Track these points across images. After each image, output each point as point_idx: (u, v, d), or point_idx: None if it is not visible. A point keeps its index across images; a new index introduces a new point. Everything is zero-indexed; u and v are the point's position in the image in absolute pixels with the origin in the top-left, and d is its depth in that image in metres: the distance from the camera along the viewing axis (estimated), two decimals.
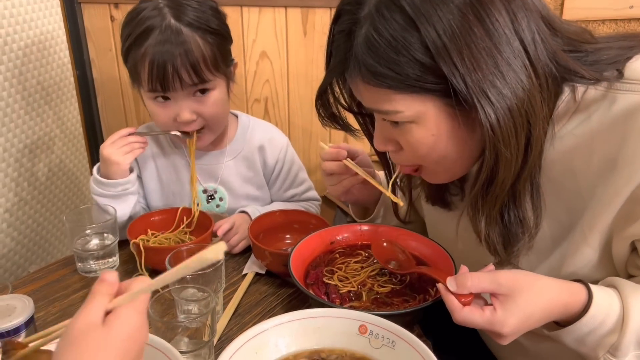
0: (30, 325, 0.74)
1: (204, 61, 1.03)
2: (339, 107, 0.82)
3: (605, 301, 0.66)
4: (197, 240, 1.00)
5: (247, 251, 1.09)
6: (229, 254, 1.08)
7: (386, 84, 0.66)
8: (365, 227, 0.99)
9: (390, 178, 0.91)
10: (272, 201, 1.28)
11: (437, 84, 0.64)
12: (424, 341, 0.70)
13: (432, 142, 0.70)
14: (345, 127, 0.85)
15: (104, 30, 1.70)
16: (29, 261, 1.46)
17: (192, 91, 1.06)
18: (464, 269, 0.70)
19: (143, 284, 0.51)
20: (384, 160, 0.92)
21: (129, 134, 1.10)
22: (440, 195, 0.88)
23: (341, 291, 0.86)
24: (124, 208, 1.09)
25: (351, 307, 0.82)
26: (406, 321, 0.79)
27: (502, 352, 0.92)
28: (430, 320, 0.88)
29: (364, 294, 0.86)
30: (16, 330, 0.72)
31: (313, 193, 1.30)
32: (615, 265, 0.71)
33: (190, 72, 1.02)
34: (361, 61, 0.66)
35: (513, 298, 0.65)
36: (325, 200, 1.70)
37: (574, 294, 0.67)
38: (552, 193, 0.73)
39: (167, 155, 1.22)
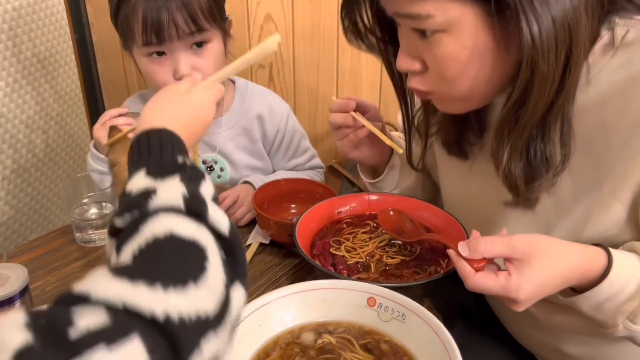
0: (24, 294, 0.72)
1: (200, 8, 0.98)
2: (364, 21, 0.76)
3: (625, 267, 0.62)
4: None
5: (253, 223, 1.05)
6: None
7: None
8: (373, 197, 0.95)
9: (407, 118, 0.85)
10: (274, 170, 1.24)
11: None
12: (434, 314, 0.67)
13: (464, 58, 0.63)
14: (370, 46, 0.78)
15: None
16: (29, 229, 1.44)
17: (189, 42, 1.01)
18: (475, 233, 0.66)
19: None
20: (402, 96, 0.84)
21: (120, 115, 1.02)
22: (458, 142, 0.81)
23: (349, 262, 0.83)
24: None
25: (359, 279, 0.79)
26: (416, 294, 0.76)
27: (514, 325, 0.89)
28: (441, 293, 0.86)
29: (372, 265, 0.83)
30: (10, 300, 0.69)
31: (317, 161, 1.26)
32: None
33: (186, 18, 0.97)
34: None
35: (528, 263, 0.60)
36: (332, 170, 1.66)
37: (593, 259, 0.62)
38: (577, 148, 0.67)
39: None
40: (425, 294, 0.82)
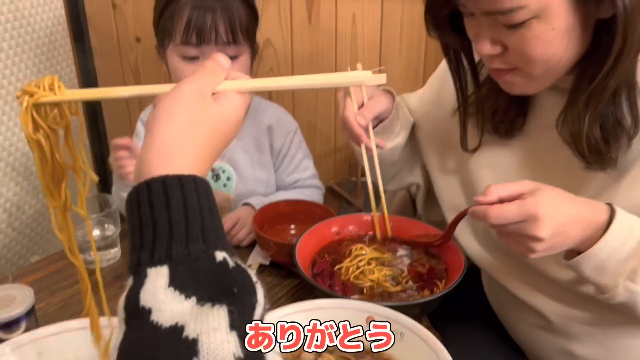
0: (30, 315, 0.73)
1: (240, 23, 1.07)
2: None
3: (626, 224, 0.67)
4: None
5: (255, 244, 1.07)
6: (235, 247, 1.07)
7: None
8: (367, 218, 0.97)
9: (463, 100, 0.87)
10: (276, 184, 1.26)
11: None
12: (433, 333, 0.68)
13: (550, 38, 0.68)
14: (461, 32, 0.79)
15: (106, 17, 1.68)
16: (30, 251, 1.45)
17: (223, 52, 1.04)
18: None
19: (249, 78, 0.52)
20: (458, 79, 0.85)
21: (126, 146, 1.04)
22: (511, 121, 0.84)
23: (348, 281, 0.84)
24: None
25: (358, 298, 0.80)
26: (415, 313, 0.78)
27: (523, 329, 0.90)
28: (440, 313, 0.87)
29: (371, 285, 0.84)
30: (16, 321, 0.71)
31: (317, 181, 1.28)
32: None
33: (227, 28, 1.06)
34: None
35: (539, 191, 0.66)
36: (331, 191, 1.68)
37: (596, 210, 0.68)
38: None
39: None
40: (424, 314, 0.83)
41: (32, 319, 0.74)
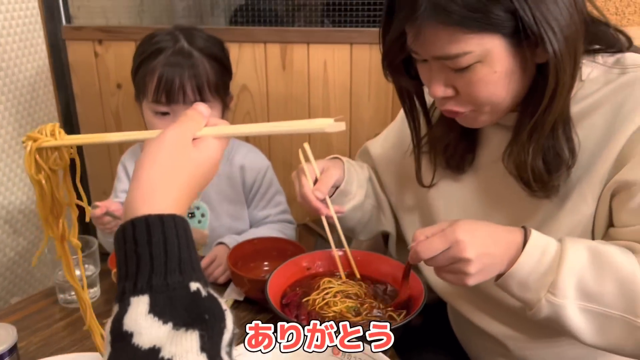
0: (13, 353, 0.76)
1: (207, 82, 1.14)
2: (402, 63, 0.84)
3: (541, 240, 0.73)
4: None
5: (230, 281, 1.11)
6: (212, 284, 1.11)
7: (458, 20, 0.70)
8: (340, 253, 1.03)
9: (417, 139, 0.94)
10: (249, 219, 1.32)
11: (504, 19, 0.70)
12: None
13: (494, 80, 0.75)
14: (416, 77, 0.85)
15: (88, 65, 1.75)
16: (10, 293, 1.47)
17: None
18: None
19: (229, 125, 0.58)
20: (412, 121, 0.92)
21: (104, 214, 1.12)
22: (462, 156, 0.92)
23: (314, 311, 0.89)
24: None
25: None
26: None
27: (485, 356, 0.96)
28: (406, 343, 0.93)
29: (334, 315, 0.89)
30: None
31: (287, 216, 1.35)
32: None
33: (194, 88, 1.13)
34: (434, 1, 0.70)
35: (456, 222, 0.74)
36: (306, 228, 1.74)
37: (510, 231, 0.75)
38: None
39: None
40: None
41: (15, 356, 0.77)
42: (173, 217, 0.46)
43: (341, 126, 0.57)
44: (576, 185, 0.80)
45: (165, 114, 1.15)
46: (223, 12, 2.29)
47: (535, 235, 0.74)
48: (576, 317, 0.71)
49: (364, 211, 1.04)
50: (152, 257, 0.43)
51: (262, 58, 1.66)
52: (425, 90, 0.87)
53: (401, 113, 1.05)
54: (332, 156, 1.04)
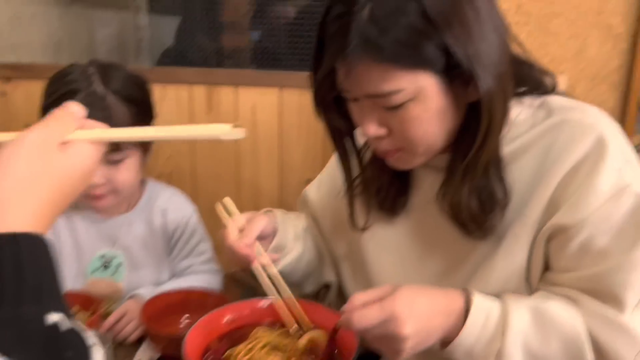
0: None
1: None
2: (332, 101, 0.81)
3: (483, 307, 0.71)
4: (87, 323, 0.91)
5: (142, 339, 1.00)
6: (121, 344, 0.99)
7: (390, 56, 0.68)
8: (265, 303, 0.95)
9: (349, 181, 0.90)
10: (170, 270, 1.22)
11: (436, 55, 0.68)
12: None
13: (427, 119, 0.73)
14: (347, 117, 0.81)
15: None
16: None
17: (106, 157, 1.01)
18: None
19: (107, 128, 0.51)
20: (344, 161, 0.88)
21: None
22: (394, 198, 0.88)
23: None
24: None
25: None
26: None
27: None
28: None
29: None
30: None
31: (212, 266, 1.26)
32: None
33: None
34: (365, 36, 0.67)
35: (397, 291, 0.70)
36: (233, 279, 1.64)
37: (452, 300, 0.72)
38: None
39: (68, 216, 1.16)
40: None
41: None
42: (30, 236, 0.40)
43: (240, 133, 0.51)
44: (509, 227, 0.78)
45: None
46: (149, 53, 2.22)
47: (476, 302, 0.71)
48: None
49: (305, 264, 0.99)
50: (1, 284, 0.36)
51: (186, 99, 1.59)
52: (358, 130, 0.83)
53: (334, 157, 1.02)
54: (265, 209, 0.99)
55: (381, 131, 0.76)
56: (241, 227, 0.89)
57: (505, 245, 0.78)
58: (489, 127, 0.73)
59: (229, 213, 0.92)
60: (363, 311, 0.68)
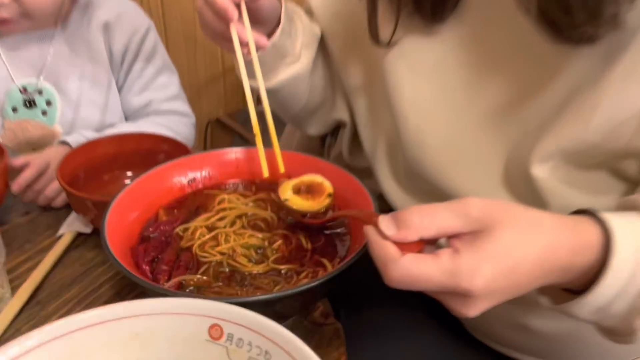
0: None
1: None
2: None
3: (634, 240, 0.44)
4: None
5: None
6: (46, 209, 0.73)
7: None
8: (240, 154, 0.65)
9: None
10: (123, 109, 0.93)
11: None
12: (332, 324, 0.39)
13: None
14: None
15: None
16: None
17: None
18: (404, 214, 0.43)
19: None
20: None
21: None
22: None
23: (189, 251, 0.53)
24: None
25: (197, 292, 0.50)
26: (295, 306, 0.48)
27: (483, 324, 0.67)
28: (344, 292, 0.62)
29: (219, 260, 0.54)
30: None
31: (180, 105, 0.96)
32: None
33: None
34: None
35: (488, 234, 0.41)
36: (219, 125, 1.34)
37: (581, 232, 0.44)
38: None
39: None
40: (314, 301, 0.54)
41: None
42: None
43: None
44: (632, 38, 0.49)
45: None
46: None
47: (622, 239, 0.43)
48: None
49: (313, 86, 0.73)
50: None
51: None
52: None
53: None
54: None
55: None
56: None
57: (623, 67, 0.50)
58: None
59: None
60: (415, 263, 0.40)
